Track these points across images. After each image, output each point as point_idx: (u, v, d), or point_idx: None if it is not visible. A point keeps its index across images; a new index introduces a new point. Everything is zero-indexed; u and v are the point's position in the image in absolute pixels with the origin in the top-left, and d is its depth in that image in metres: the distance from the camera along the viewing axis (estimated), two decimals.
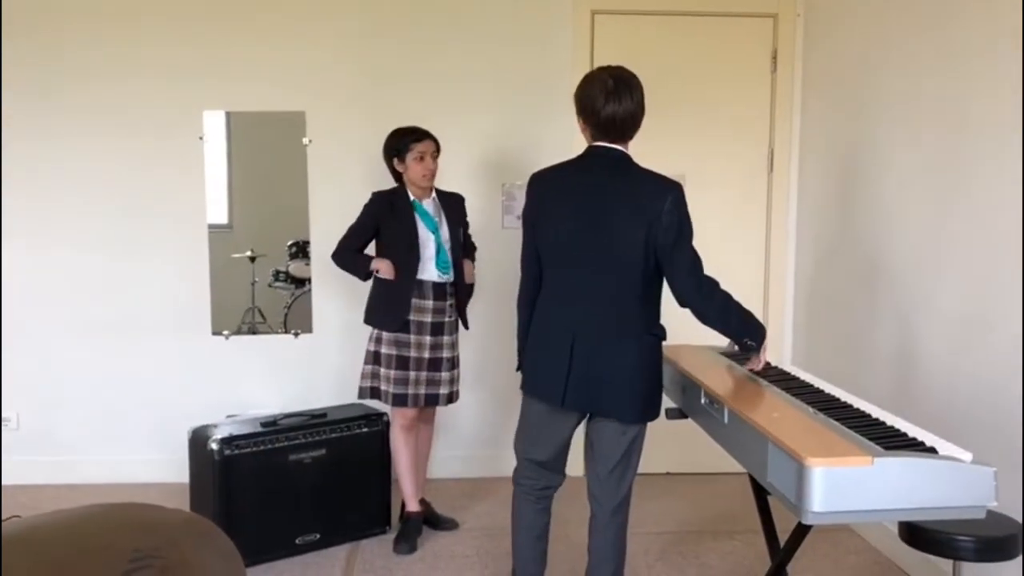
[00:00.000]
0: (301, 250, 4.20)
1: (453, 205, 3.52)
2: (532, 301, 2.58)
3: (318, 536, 3.39)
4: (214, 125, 4.10)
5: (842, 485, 1.74)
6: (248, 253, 4.21)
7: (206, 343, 4.16)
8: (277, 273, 4.24)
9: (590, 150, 2.48)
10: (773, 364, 2.62)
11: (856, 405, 2.22)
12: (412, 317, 3.38)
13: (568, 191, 2.47)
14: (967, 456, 1.81)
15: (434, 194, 3.49)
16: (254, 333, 4.23)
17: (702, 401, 2.41)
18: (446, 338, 3.45)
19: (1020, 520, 2.30)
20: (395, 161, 3.43)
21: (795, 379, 2.50)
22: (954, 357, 2.91)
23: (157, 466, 4.07)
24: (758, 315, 2.54)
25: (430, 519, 3.63)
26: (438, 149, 3.45)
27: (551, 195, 2.51)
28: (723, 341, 2.65)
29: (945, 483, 1.77)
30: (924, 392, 3.05)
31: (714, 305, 2.40)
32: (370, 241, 3.48)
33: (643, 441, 2.55)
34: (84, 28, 3.98)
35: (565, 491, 2.72)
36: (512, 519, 2.69)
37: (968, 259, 2.84)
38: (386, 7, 4.07)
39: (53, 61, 3.99)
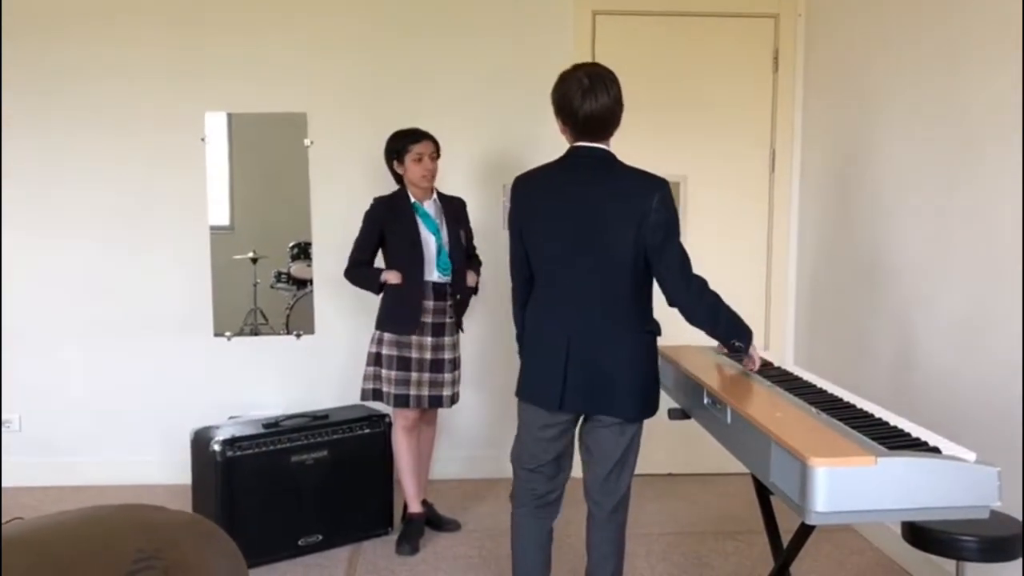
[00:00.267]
0: (303, 251, 4.20)
1: (454, 208, 3.52)
2: (526, 305, 2.56)
3: (320, 537, 3.39)
4: (216, 126, 4.10)
5: (845, 485, 1.73)
6: (250, 254, 4.21)
7: (208, 344, 4.16)
8: (279, 274, 4.24)
9: (573, 150, 2.45)
10: (775, 364, 2.61)
11: (859, 405, 2.22)
12: None
13: (554, 193, 2.45)
14: (971, 456, 1.81)
15: (435, 196, 3.49)
16: (256, 334, 4.23)
17: (705, 401, 2.41)
18: (447, 339, 3.45)
19: (1022, 520, 2.30)
20: (395, 163, 3.43)
21: (798, 379, 2.50)
22: (955, 357, 2.90)
23: (159, 467, 4.07)
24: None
25: (432, 520, 3.63)
26: (438, 150, 3.44)
27: (537, 197, 2.49)
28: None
29: (948, 483, 1.76)
30: (925, 392, 3.05)
31: (703, 304, 2.39)
32: (377, 249, 3.48)
33: (640, 440, 2.52)
34: (85, 29, 3.98)
35: (565, 491, 2.70)
36: (512, 540, 2.63)
37: (969, 259, 2.83)
38: (388, 9, 4.07)
39: (53, 61, 3.99)
